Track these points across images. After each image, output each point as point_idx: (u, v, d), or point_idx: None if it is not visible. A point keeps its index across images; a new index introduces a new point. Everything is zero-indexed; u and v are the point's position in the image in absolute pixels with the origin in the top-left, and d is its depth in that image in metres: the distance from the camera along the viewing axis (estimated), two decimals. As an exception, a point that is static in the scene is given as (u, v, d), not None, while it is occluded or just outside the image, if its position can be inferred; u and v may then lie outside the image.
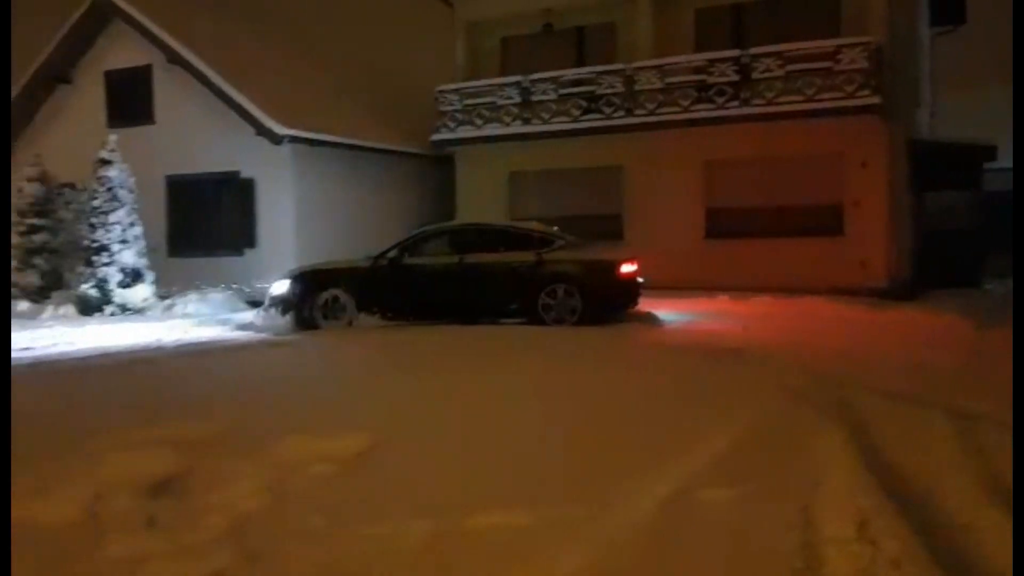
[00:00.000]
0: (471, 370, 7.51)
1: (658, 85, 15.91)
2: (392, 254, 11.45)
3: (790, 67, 14.83)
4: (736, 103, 15.27)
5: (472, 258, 11.26)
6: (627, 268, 11.52)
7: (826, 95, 14.49)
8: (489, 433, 5.16)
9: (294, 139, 15.83)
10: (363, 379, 7.36)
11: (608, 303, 11.35)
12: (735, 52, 15.35)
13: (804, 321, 11.41)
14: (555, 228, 12.16)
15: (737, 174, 16.01)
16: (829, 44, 14.62)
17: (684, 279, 15.61)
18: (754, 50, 15.15)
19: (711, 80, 15.45)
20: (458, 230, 12.25)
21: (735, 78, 15.26)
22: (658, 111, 15.95)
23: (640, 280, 11.73)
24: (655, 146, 16.40)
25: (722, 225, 16.25)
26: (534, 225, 12.43)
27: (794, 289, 14.44)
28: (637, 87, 16.10)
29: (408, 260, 11.41)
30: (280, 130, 15.61)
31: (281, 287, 11.48)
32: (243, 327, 11.97)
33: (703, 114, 15.54)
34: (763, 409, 5.80)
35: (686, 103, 15.69)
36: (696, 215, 16.31)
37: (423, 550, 3.29)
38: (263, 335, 10.98)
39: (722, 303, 13.52)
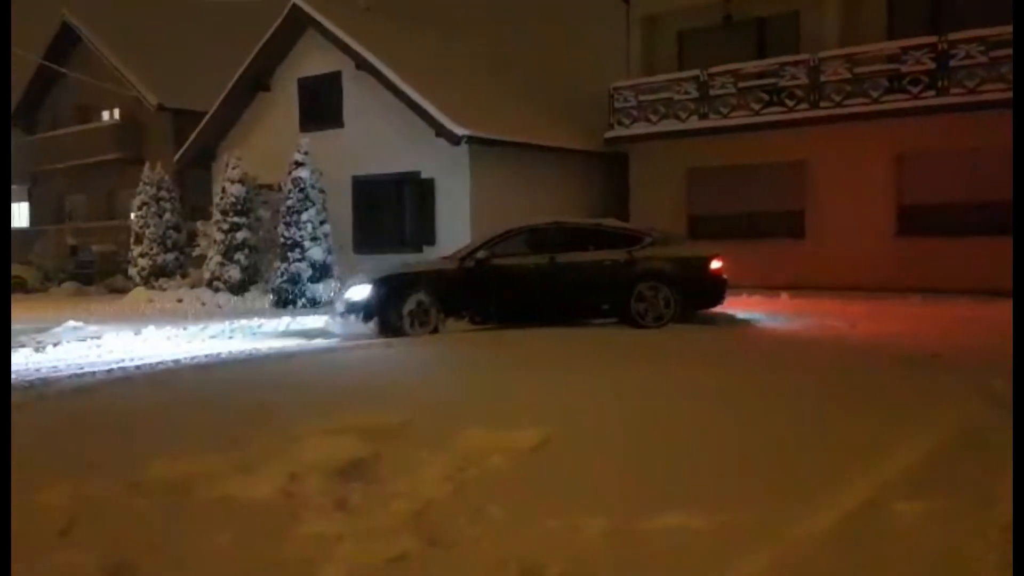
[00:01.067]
0: (606, 371, 7.36)
1: (846, 75, 15.15)
2: (480, 254, 10.73)
3: (993, 53, 13.70)
4: (932, 93, 14.30)
5: (563, 257, 10.82)
6: (716, 264, 11.22)
7: (1037, 81, 13.26)
8: (654, 433, 5.07)
9: (471, 139, 16.23)
10: (508, 378, 7.29)
11: (701, 301, 11.18)
12: (932, 38, 14.38)
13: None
14: (650, 225, 11.84)
15: (932, 168, 14.98)
16: (1039, 25, 13.38)
17: (871, 279, 14.82)
18: (953, 36, 14.13)
19: (905, 69, 14.56)
20: (545, 229, 11.43)
21: (931, 66, 14.31)
22: (845, 103, 15.20)
23: (725, 277, 11.35)
24: (842, 139, 15.63)
25: (915, 222, 15.26)
26: (609, 222, 12.22)
27: (997, 292, 13.34)
28: (823, 78, 15.39)
29: (496, 261, 10.74)
30: (458, 131, 16.05)
31: (362, 292, 10.50)
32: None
33: (895, 105, 14.67)
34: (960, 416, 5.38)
35: (876, 94, 14.86)
36: (886, 212, 15.40)
37: (600, 548, 3.27)
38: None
39: (914, 307, 12.67)
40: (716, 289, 11.25)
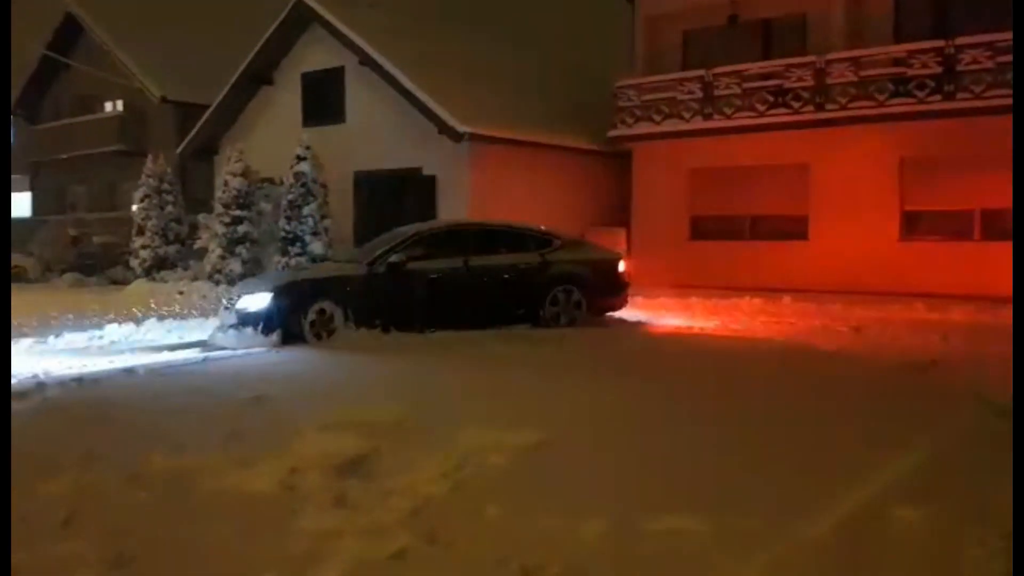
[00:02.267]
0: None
1: (852, 78, 15.10)
2: (393, 258, 9.93)
3: (1000, 58, 13.65)
4: (938, 97, 14.26)
5: (476, 260, 10.33)
6: (623, 267, 11.26)
7: (1043, 87, 13.23)
8: (650, 437, 5.06)
9: (473, 136, 16.21)
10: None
11: (609, 303, 11.13)
12: (939, 42, 14.31)
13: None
14: (542, 226, 11.53)
15: (938, 173, 14.96)
16: (1046, 31, 13.35)
17: (875, 283, 14.79)
18: (960, 40, 14.07)
19: (911, 72, 14.50)
20: (455, 230, 10.92)
21: (938, 70, 14.25)
22: (851, 105, 15.15)
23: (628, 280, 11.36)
24: (847, 142, 15.60)
25: (920, 227, 15.25)
26: (516, 223, 11.64)
27: (997, 298, 13.34)
28: (829, 80, 15.36)
29: (409, 265, 9.97)
30: (460, 128, 16.04)
31: (260, 301, 9.38)
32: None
33: (901, 109, 14.62)
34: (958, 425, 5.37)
35: (882, 97, 14.81)
36: (890, 215, 15.37)
37: (600, 549, 3.27)
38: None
39: (919, 311, 12.66)
40: (623, 291, 11.30)
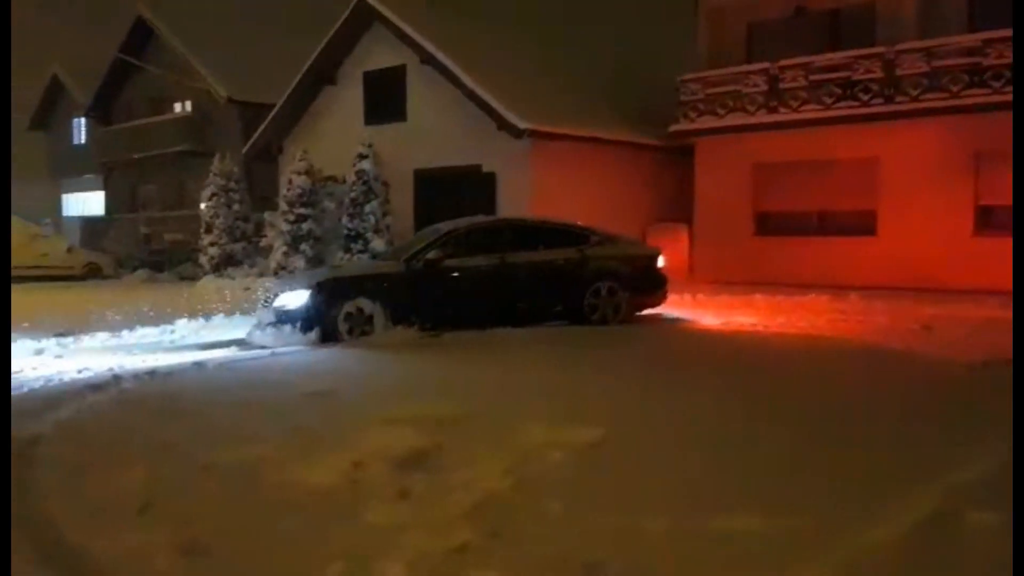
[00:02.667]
0: (637, 373, 7.17)
1: (923, 69, 14.69)
2: (431, 255, 9.81)
3: (1083, 45, 13.13)
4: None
5: (514, 257, 10.18)
6: (661, 262, 11.10)
7: None
8: (711, 435, 5.00)
9: (533, 133, 16.21)
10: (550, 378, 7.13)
11: (648, 299, 10.96)
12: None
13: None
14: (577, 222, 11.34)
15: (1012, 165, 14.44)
16: None
17: (947, 280, 14.37)
18: (1039, 27, 13.57)
19: (986, 63, 14.04)
20: (492, 227, 10.82)
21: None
22: (922, 97, 14.74)
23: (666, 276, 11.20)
24: (917, 136, 15.18)
25: (995, 221, 14.75)
26: (554, 219, 11.56)
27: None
28: (899, 72, 14.96)
29: (447, 262, 9.85)
30: (520, 124, 16.06)
31: (298, 299, 9.32)
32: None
33: (976, 100, 14.17)
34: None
35: (956, 88, 14.37)
36: (963, 210, 14.91)
37: (663, 547, 3.24)
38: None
39: (993, 308, 12.26)
40: (662, 287, 11.15)
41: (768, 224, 17.36)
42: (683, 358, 8.21)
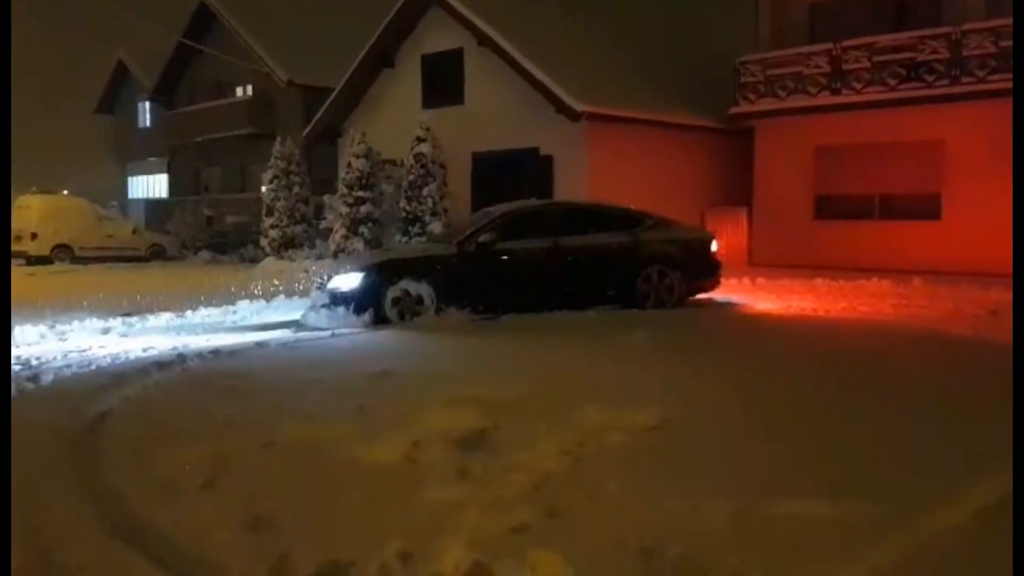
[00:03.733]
0: (695, 358, 7.09)
1: (991, 50, 14.24)
2: (484, 238, 9.82)
3: None
4: (1089, 66, 13.26)
5: (566, 241, 10.14)
6: (715, 246, 11.00)
7: None
8: (771, 420, 4.96)
9: (591, 115, 16.12)
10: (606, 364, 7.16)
11: (702, 284, 10.82)
12: (1091, 8, 13.31)
13: None
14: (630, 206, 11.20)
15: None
16: None
17: (1011, 264, 13.96)
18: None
19: (1057, 41, 13.53)
20: (543, 211, 10.80)
21: (1089, 37, 13.24)
22: (989, 78, 14.28)
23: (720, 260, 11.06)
24: (985, 117, 14.72)
25: (1065, 206, 14.29)
26: (606, 202, 11.41)
27: None
28: (965, 52, 14.52)
29: (500, 245, 9.85)
30: (578, 107, 15.98)
31: (352, 281, 9.43)
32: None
33: (1046, 80, 13.67)
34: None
35: (1025, 68, 13.88)
36: (1031, 194, 14.45)
37: (722, 531, 3.25)
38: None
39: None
40: (715, 272, 11.05)
41: (829, 208, 17.05)
42: (738, 343, 8.15)
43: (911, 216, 15.87)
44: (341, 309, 9.26)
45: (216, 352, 7.48)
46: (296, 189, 20.10)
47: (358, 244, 16.79)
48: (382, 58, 20.20)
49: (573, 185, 16.49)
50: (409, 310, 9.34)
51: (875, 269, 14.62)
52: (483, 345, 8.08)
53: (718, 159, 18.81)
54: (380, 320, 9.22)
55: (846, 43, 16.00)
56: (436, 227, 16.01)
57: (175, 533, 3.31)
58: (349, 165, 17.41)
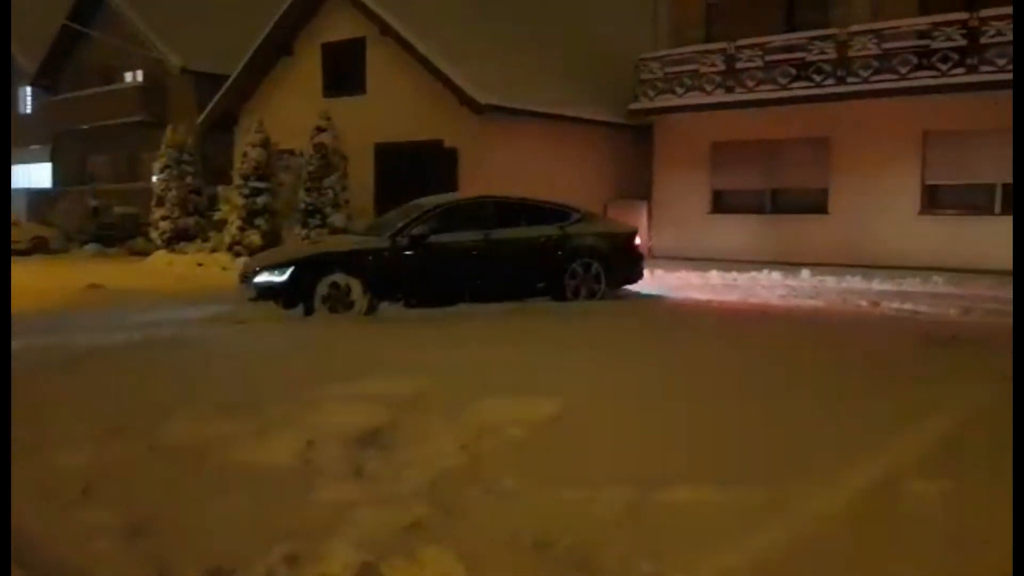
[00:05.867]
0: (603, 348, 7.27)
1: (874, 51, 14.90)
2: (417, 231, 9.80)
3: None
4: (962, 70, 14.04)
5: (498, 234, 10.26)
6: (638, 240, 11.44)
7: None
8: (670, 409, 5.07)
9: (495, 108, 16.13)
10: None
11: (626, 276, 11.19)
12: (963, 15, 14.09)
13: None
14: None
15: (960, 147, 14.77)
16: (1075, 4, 13.09)
17: (895, 257, 14.71)
18: (984, 12, 13.84)
19: (934, 45, 14.29)
20: (475, 203, 10.85)
21: (962, 43, 14.02)
22: (873, 79, 14.96)
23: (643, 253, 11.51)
24: (868, 116, 15.43)
25: (941, 200, 15.12)
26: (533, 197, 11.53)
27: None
28: (851, 53, 15.15)
29: (434, 238, 9.85)
30: (482, 99, 15.96)
31: (282, 274, 9.32)
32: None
33: (924, 82, 14.42)
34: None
35: (904, 70, 14.60)
36: (911, 190, 15.23)
37: (615, 521, 3.29)
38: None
39: (938, 285, 12.56)
40: (639, 265, 11.39)
41: (724, 202, 17.57)
42: (653, 333, 8.30)
43: (801, 210, 16.51)
44: (271, 303, 9.16)
45: (100, 350, 7.16)
46: (189, 179, 19.43)
47: (254, 236, 16.36)
48: (281, 45, 19.73)
49: (477, 177, 16.48)
50: (341, 304, 9.28)
51: (768, 262, 15.17)
52: (396, 338, 7.96)
53: (620, 154, 19.12)
54: (310, 313, 9.14)
55: (740, 42, 16.48)
56: (338, 219, 15.73)
57: (50, 542, 3.16)
58: (245, 155, 16.93)
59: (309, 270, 9.35)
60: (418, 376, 5.64)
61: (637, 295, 11.43)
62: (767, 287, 12.77)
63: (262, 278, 9.44)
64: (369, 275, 9.43)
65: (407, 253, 9.76)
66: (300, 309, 9.13)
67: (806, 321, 9.30)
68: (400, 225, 10.02)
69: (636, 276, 11.38)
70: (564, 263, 10.53)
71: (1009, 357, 6.71)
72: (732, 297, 11.42)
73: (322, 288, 9.20)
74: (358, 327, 8.68)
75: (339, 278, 9.29)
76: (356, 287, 9.33)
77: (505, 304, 9.84)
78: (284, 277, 9.29)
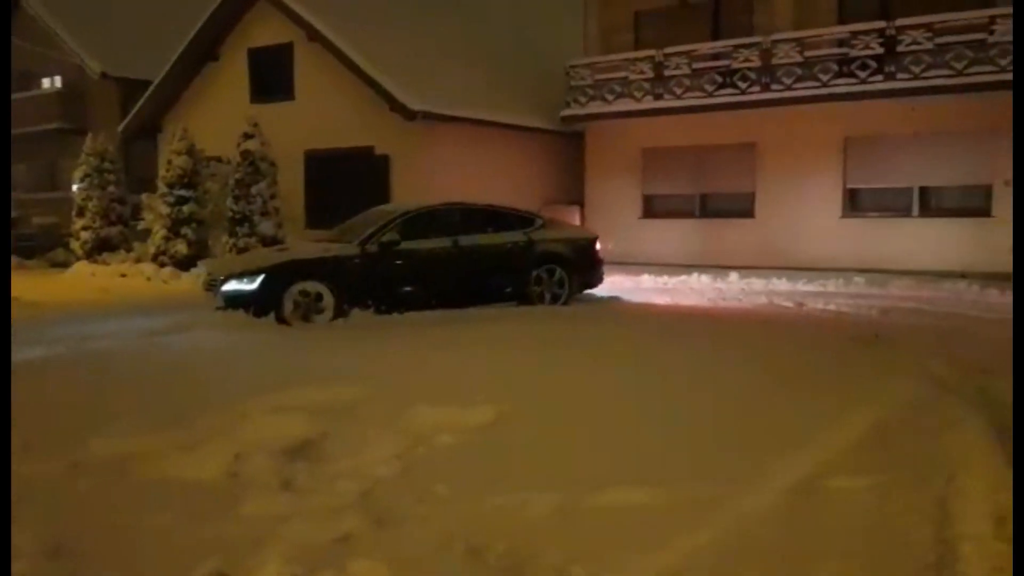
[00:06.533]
0: (544, 351, 7.34)
1: (797, 59, 15.30)
2: (386, 237, 9.88)
3: (939, 40, 13.95)
4: (880, 77, 14.51)
5: (466, 240, 10.42)
6: (599, 246, 11.69)
7: (978, 69, 13.57)
8: (608, 411, 5.12)
9: (427, 115, 16.07)
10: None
11: (588, 281, 11.45)
12: (880, 24, 14.56)
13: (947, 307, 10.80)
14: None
15: (879, 152, 15.26)
16: (983, 14, 13.66)
17: (818, 259, 15.11)
18: (900, 21, 14.33)
19: (854, 53, 14.73)
20: (443, 210, 10.94)
21: (880, 51, 14.49)
22: (795, 86, 15.35)
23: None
24: (791, 122, 15.82)
25: (862, 204, 15.60)
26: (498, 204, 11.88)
27: (939, 273, 13.77)
28: (774, 61, 15.53)
29: (403, 245, 9.94)
30: (413, 106, 15.88)
31: (252, 282, 9.23)
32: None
33: (844, 89, 14.85)
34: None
35: (826, 77, 15.02)
36: (834, 193, 15.68)
37: (547, 525, 3.30)
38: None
39: (859, 286, 12.95)
40: (600, 269, 11.61)
41: (655, 207, 17.81)
42: (591, 335, 8.39)
43: (728, 215, 16.84)
44: (240, 312, 9.08)
45: (21, 365, 6.89)
46: (111, 188, 18.84)
47: (180, 246, 15.98)
48: (206, 51, 19.31)
49: (410, 184, 16.40)
50: (312, 311, 9.25)
51: (698, 265, 15.44)
52: (348, 343, 7.88)
53: (553, 159, 19.23)
54: (281, 321, 9.09)
55: (668, 50, 16.74)
56: (267, 227, 15.46)
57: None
58: (170, 162, 16.52)
59: (279, 278, 9.27)
60: (356, 384, 5.59)
61: (598, 299, 11.58)
62: (697, 290, 13.00)
63: (230, 286, 9.31)
64: (339, 282, 9.43)
65: (377, 260, 9.79)
66: (271, 318, 9.03)
67: (737, 323, 9.49)
68: (369, 232, 10.01)
69: (597, 281, 11.61)
70: (530, 268, 10.75)
71: (928, 356, 6.98)
72: (663, 300, 11.60)
73: (292, 295, 9.16)
74: (310, 334, 8.53)
75: (309, 285, 9.26)
76: (327, 294, 9.31)
77: (472, 310, 9.97)
78: (254, 285, 9.21)
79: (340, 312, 9.36)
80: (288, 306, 9.13)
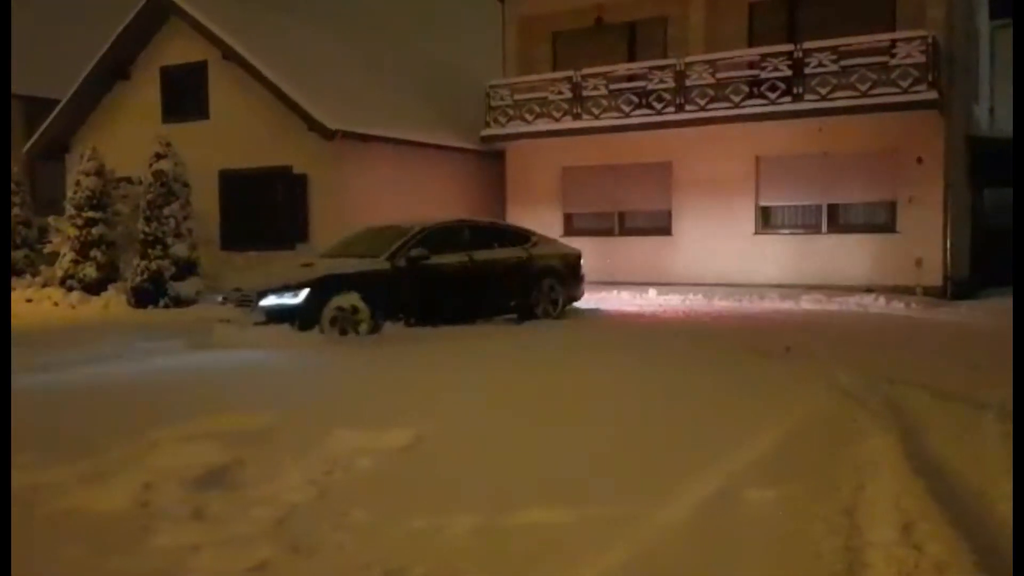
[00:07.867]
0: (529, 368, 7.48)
1: (709, 80, 15.73)
2: (414, 253, 10.26)
3: (844, 62, 14.54)
4: (788, 99, 15.03)
5: (478, 255, 10.97)
6: (583, 261, 12.48)
7: (881, 90, 14.18)
8: (532, 431, 5.15)
9: (346, 134, 15.96)
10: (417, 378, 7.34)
11: (576, 294, 12.24)
12: (788, 47, 15.10)
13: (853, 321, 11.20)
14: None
15: (789, 170, 15.79)
16: (884, 38, 14.31)
17: (733, 275, 15.50)
18: (807, 44, 14.88)
19: (763, 75, 15.22)
20: (455, 227, 11.41)
21: (788, 73, 15.01)
22: (709, 107, 15.77)
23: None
24: (706, 142, 16.25)
25: (773, 221, 16.08)
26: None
27: (848, 287, 14.27)
28: (688, 82, 15.93)
29: (429, 260, 10.35)
30: (331, 125, 15.75)
31: (295, 296, 9.48)
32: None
33: (755, 110, 15.32)
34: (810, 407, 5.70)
35: (737, 99, 15.48)
36: (747, 211, 16.13)
37: (465, 547, 3.29)
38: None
39: (773, 301, 13.33)
40: (582, 284, 12.42)
41: (575, 225, 18.03)
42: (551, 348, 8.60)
43: (647, 232, 17.16)
44: (286, 326, 9.26)
45: None
46: (16, 210, 18.16)
47: (89, 269, 15.45)
48: (116, 69, 18.79)
49: (328, 204, 16.23)
50: (349, 324, 9.52)
51: (618, 282, 15.68)
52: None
53: (475, 178, 19.28)
54: (320, 332, 9.39)
55: (585, 71, 17.01)
56: (181, 249, 15.05)
57: None
58: (78, 183, 15.97)
59: (320, 291, 9.50)
60: (269, 411, 5.49)
61: (582, 311, 12.33)
62: (617, 306, 13.21)
63: (270, 301, 9.49)
64: (373, 295, 9.72)
65: (406, 274, 10.16)
66: (315, 333, 9.28)
67: (657, 339, 9.66)
68: (396, 247, 10.30)
69: (580, 294, 12.31)
70: (532, 282, 11.39)
71: (836, 367, 7.22)
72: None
73: (331, 309, 9.43)
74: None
75: (348, 299, 9.54)
76: (362, 307, 9.61)
77: (484, 323, 10.75)
78: (299, 299, 9.43)
79: (375, 326, 9.67)
80: (326, 320, 9.38)
